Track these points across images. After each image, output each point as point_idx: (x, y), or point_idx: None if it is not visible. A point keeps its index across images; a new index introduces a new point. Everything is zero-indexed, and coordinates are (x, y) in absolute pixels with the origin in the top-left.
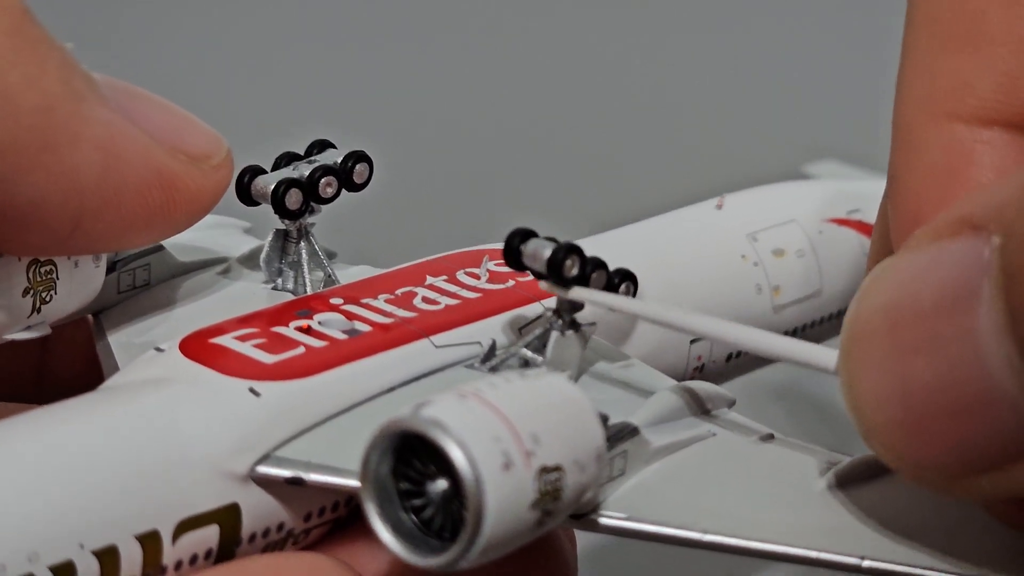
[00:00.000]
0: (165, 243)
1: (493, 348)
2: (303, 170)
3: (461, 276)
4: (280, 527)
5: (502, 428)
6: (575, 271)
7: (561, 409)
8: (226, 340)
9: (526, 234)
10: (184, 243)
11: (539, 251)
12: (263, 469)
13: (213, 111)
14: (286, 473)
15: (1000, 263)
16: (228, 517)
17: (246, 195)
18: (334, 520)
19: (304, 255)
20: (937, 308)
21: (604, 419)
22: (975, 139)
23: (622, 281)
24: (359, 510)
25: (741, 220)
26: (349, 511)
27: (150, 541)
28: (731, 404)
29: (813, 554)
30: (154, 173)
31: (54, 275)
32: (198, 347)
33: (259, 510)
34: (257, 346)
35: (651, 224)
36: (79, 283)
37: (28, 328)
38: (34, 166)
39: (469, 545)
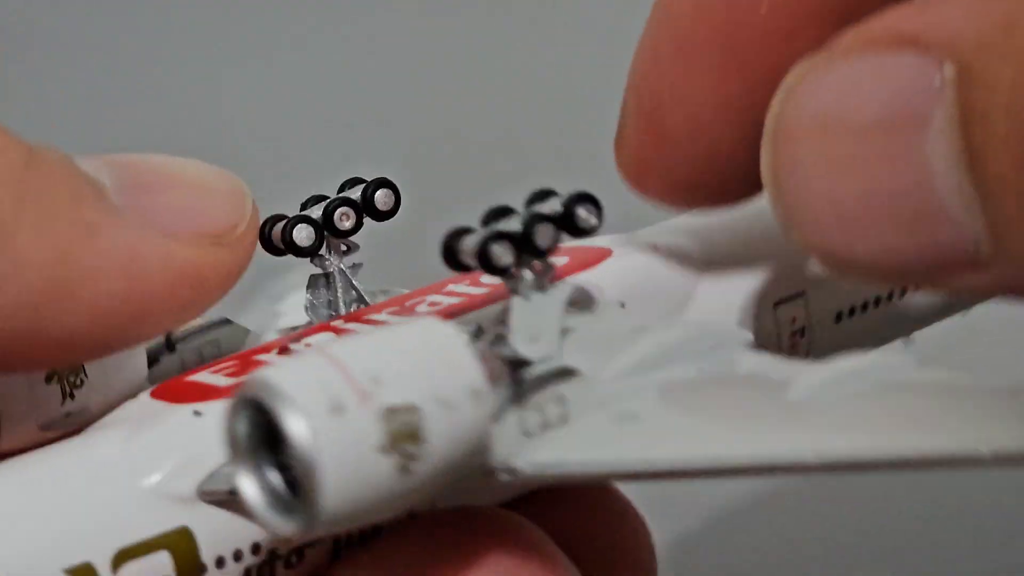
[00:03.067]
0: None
1: (479, 331)
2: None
3: (485, 279)
4: (255, 549)
5: (332, 372)
6: (507, 260)
7: (417, 347)
8: (201, 375)
9: (461, 233)
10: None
11: (469, 245)
12: (209, 486)
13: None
14: (225, 487)
15: (957, 100)
16: (179, 541)
17: (269, 245)
18: (332, 539)
19: (340, 296)
20: (879, 125)
21: (519, 361)
22: None
23: (576, 204)
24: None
25: None
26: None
27: (83, 573)
28: (748, 343)
29: (765, 459)
30: (179, 275)
31: None
32: (169, 387)
33: (218, 531)
34: (226, 373)
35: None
36: (113, 363)
37: (68, 416)
38: (53, 313)
39: (313, 500)
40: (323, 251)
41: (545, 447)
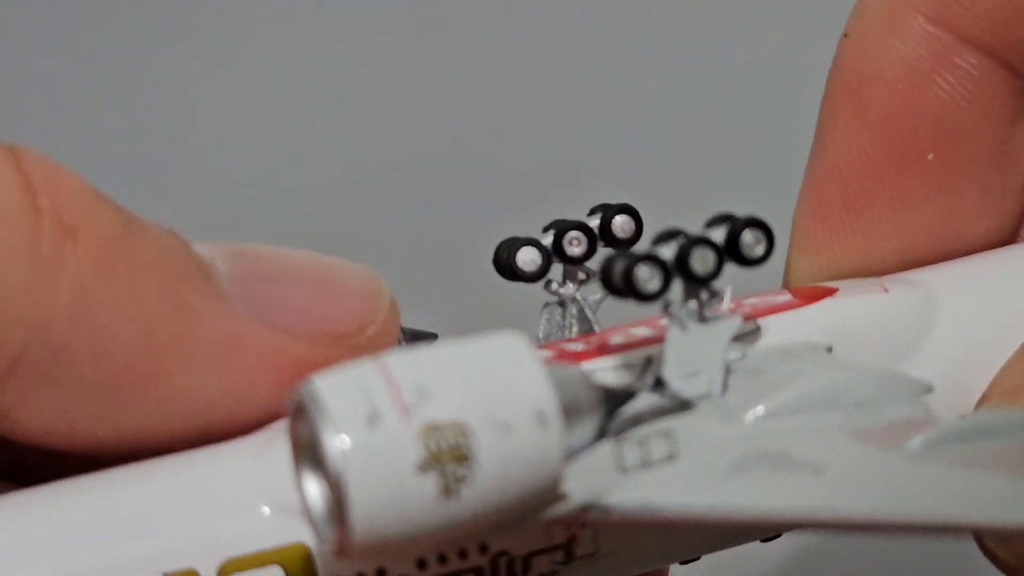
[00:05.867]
0: None
1: (647, 362)
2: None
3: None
4: (380, 573)
5: (376, 380)
6: (653, 285)
7: (479, 362)
8: None
9: (620, 256)
10: None
11: (618, 268)
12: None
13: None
14: None
15: None
16: (294, 558)
17: (501, 268)
18: (474, 571)
19: (575, 327)
20: None
21: (622, 393)
22: None
23: (743, 229)
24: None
25: None
26: (490, 562)
27: None
28: (927, 391)
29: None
30: (290, 370)
31: None
32: None
33: None
34: None
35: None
36: None
37: None
38: (137, 398)
39: (343, 514)
40: (555, 277)
41: (641, 486)
